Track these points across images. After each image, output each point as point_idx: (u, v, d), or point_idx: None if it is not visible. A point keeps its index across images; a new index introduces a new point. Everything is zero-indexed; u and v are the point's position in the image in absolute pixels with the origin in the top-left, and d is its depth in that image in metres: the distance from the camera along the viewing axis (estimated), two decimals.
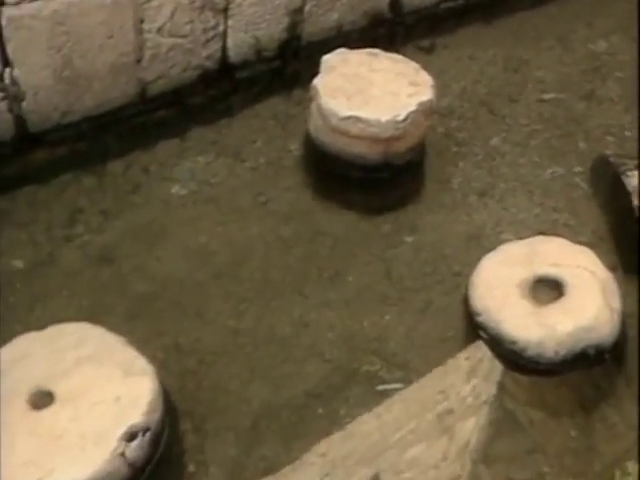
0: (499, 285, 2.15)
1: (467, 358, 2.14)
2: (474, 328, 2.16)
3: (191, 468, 1.92)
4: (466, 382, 2.10)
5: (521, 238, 2.35)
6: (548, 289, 2.17)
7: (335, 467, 1.92)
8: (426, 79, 2.60)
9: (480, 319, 2.13)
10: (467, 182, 2.66)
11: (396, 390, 2.09)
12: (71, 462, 1.67)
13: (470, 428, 2.00)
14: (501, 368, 2.11)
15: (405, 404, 2.06)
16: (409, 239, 2.47)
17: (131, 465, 1.74)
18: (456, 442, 1.98)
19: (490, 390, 2.08)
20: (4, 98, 2.46)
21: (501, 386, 2.09)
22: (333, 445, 1.97)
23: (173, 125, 2.81)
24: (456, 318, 2.25)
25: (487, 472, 1.93)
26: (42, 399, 1.78)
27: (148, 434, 1.78)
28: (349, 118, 2.45)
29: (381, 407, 2.05)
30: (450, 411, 2.03)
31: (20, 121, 2.54)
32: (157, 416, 1.82)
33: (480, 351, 2.15)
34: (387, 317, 2.27)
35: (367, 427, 2.01)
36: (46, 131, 2.61)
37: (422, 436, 1.99)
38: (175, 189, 2.59)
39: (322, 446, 1.97)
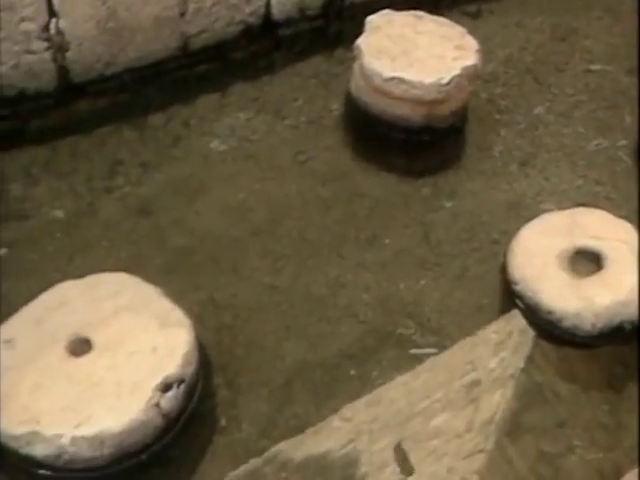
0: (538, 255, 2.14)
1: (496, 331, 2.14)
2: (510, 297, 2.15)
3: (223, 422, 1.93)
4: (494, 354, 2.10)
5: (561, 209, 2.33)
6: (587, 261, 2.15)
7: (359, 432, 1.93)
8: (471, 43, 2.57)
9: (517, 288, 2.12)
10: (508, 150, 2.63)
11: (429, 355, 2.09)
12: (108, 410, 1.69)
13: (496, 400, 2.00)
14: (531, 341, 2.10)
15: (432, 373, 2.06)
16: (448, 204, 2.46)
17: (165, 416, 1.76)
18: (481, 414, 1.98)
19: (518, 363, 2.08)
20: (49, 48, 2.46)
21: (530, 359, 2.09)
22: (359, 410, 1.98)
23: (214, 80, 2.80)
24: (492, 286, 2.24)
25: (515, 445, 1.94)
26: (80, 346, 1.80)
27: (183, 386, 1.79)
28: (392, 79, 2.43)
29: (408, 375, 2.05)
30: (477, 382, 2.04)
31: (63, 71, 2.54)
32: (192, 368, 1.83)
33: (510, 324, 2.14)
34: (423, 282, 2.26)
35: (393, 394, 2.02)
36: (89, 82, 2.61)
37: (448, 406, 1.99)
38: (215, 144, 2.59)
39: (348, 410, 1.97)
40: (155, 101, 2.69)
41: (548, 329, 2.09)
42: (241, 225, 2.36)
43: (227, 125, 2.66)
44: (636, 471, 1.87)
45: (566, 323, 2.04)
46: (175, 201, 2.41)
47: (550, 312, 2.05)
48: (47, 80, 2.52)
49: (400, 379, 2.05)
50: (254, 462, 1.88)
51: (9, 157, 2.45)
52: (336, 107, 2.74)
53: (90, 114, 2.61)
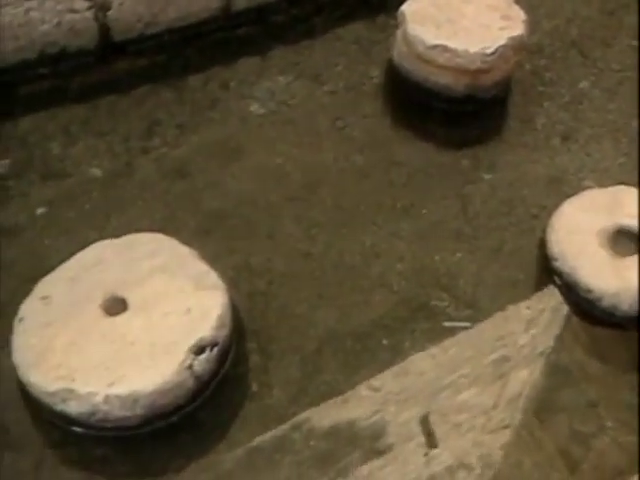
0: (578, 232, 2.10)
1: (530, 307, 2.11)
2: (547, 273, 2.12)
3: (254, 388, 1.93)
4: (526, 331, 2.07)
5: (603, 186, 2.29)
6: (627, 241, 2.11)
7: (386, 403, 1.93)
8: (518, 14, 2.51)
9: (556, 264, 2.09)
10: (551, 124, 2.59)
11: (461, 328, 2.08)
12: (141, 370, 1.69)
13: (525, 378, 1.98)
14: (564, 319, 2.08)
15: (462, 347, 2.04)
16: (487, 176, 2.42)
17: (197, 378, 1.77)
18: (509, 390, 1.96)
19: (550, 341, 2.05)
20: (91, 7, 2.46)
21: (562, 337, 2.06)
22: (387, 380, 1.97)
23: (255, 43, 2.77)
24: (529, 261, 2.21)
25: (543, 423, 1.92)
26: (115, 306, 1.81)
27: (216, 349, 1.79)
28: (436, 47, 2.39)
29: (438, 347, 2.04)
30: (507, 358, 2.02)
31: (104, 30, 2.54)
32: (225, 332, 1.83)
33: (545, 301, 2.12)
34: (459, 254, 2.23)
35: (423, 365, 2.01)
36: (129, 41, 2.61)
37: (475, 381, 1.98)
38: (253, 107, 2.57)
39: (377, 380, 1.97)
40: (194, 62, 2.67)
41: (584, 308, 2.06)
42: (277, 190, 2.35)
43: (266, 89, 2.64)
44: None
45: (604, 303, 2.01)
46: (211, 163, 2.40)
47: (588, 290, 2.02)
48: (88, 38, 2.52)
49: (430, 351, 2.04)
50: (282, 428, 1.88)
51: (50, 115, 2.46)
52: (376, 74, 2.71)
53: (129, 73, 2.60)
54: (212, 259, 1.98)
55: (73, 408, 1.66)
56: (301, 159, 2.44)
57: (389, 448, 1.87)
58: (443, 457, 1.86)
